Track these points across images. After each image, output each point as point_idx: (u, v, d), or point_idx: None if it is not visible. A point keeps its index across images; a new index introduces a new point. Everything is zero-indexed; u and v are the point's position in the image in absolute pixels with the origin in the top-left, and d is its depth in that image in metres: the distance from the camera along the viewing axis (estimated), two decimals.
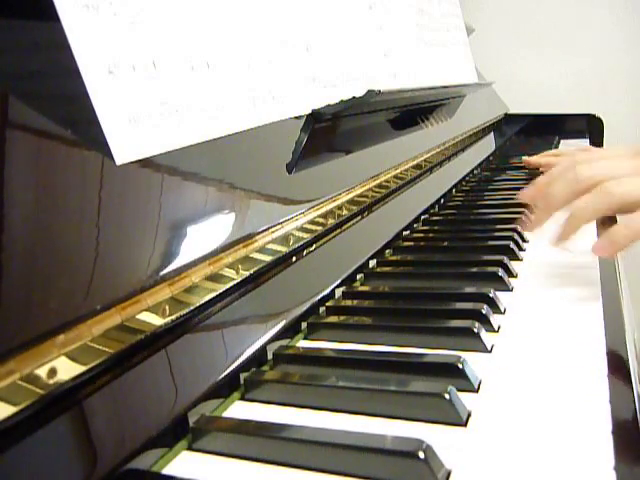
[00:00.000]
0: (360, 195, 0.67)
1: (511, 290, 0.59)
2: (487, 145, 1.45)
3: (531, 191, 0.62)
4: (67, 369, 0.31)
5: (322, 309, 0.55)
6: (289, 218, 0.52)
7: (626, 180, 0.52)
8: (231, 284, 0.44)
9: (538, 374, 0.42)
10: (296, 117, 0.59)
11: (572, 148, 0.60)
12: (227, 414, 0.40)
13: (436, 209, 0.93)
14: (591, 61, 1.94)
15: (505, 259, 0.63)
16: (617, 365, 0.42)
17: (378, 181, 0.73)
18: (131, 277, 0.36)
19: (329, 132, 0.65)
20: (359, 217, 0.68)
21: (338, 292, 0.58)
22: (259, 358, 0.45)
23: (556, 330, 0.49)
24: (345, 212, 0.63)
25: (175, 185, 0.42)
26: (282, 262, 0.51)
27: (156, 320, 0.37)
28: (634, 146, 0.57)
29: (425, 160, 0.93)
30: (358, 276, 0.64)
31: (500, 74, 1.59)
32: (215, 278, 0.42)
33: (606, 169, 0.54)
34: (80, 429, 0.32)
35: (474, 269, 0.63)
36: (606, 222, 0.58)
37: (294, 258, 0.53)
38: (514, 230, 0.74)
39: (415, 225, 0.83)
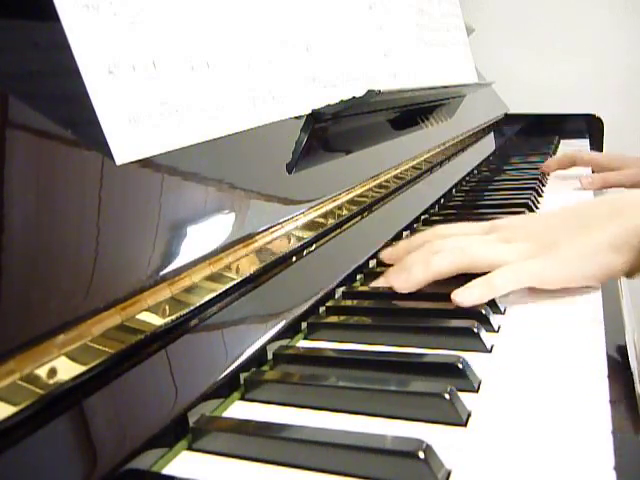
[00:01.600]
0: (360, 195, 0.67)
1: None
2: (487, 145, 1.45)
3: (394, 252, 0.64)
4: (67, 369, 0.31)
5: (322, 309, 0.55)
6: (289, 218, 0.52)
7: (482, 245, 0.57)
8: (231, 284, 0.44)
9: (538, 374, 0.42)
10: (296, 117, 0.59)
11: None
12: (227, 414, 0.40)
13: (436, 209, 0.93)
14: (591, 61, 1.94)
15: None
16: (617, 365, 0.42)
17: (378, 181, 0.73)
18: (131, 277, 0.36)
19: (329, 132, 0.65)
20: (359, 217, 0.68)
21: (338, 292, 0.58)
22: (259, 358, 0.45)
23: (556, 330, 0.49)
24: (345, 212, 0.63)
25: (175, 185, 0.42)
26: (282, 262, 0.51)
27: (156, 320, 0.37)
28: (486, 223, 0.62)
29: (425, 160, 0.93)
30: (358, 276, 0.64)
31: (500, 74, 1.59)
32: (215, 278, 0.42)
33: (460, 240, 0.59)
34: (80, 429, 0.32)
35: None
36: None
37: (294, 258, 0.53)
38: None
39: (415, 225, 0.83)
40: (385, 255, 0.64)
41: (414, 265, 0.56)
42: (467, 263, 0.55)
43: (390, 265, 0.62)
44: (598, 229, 0.54)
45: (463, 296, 0.51)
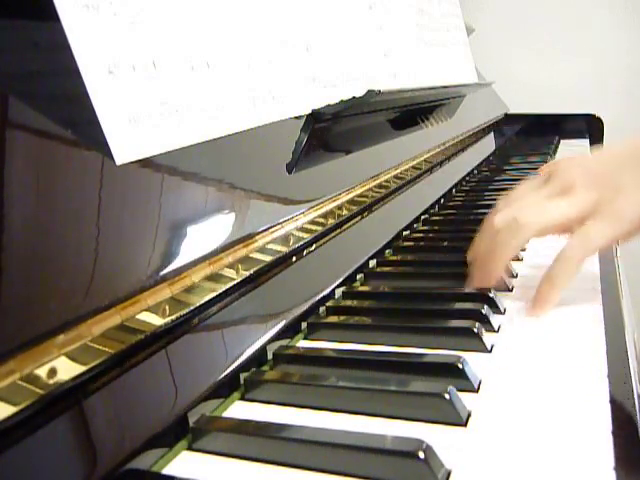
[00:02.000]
0: (360, 195, 0.67)
1: (511, 290, 0.59)
2: (487, 145, 1.45)
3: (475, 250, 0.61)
4: (67, 369, 0.31)
5: (322, 309, 0.55)
6: (289, 218, 0.52)
7: (537, 210, 0.54)
8: (231, 284, 0.44)
9: (538, 374, 0.42)
10: (296, 117, 0.59)
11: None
12: (227, 414, 0.40)
13: (436, 209, 0.93)
14: (591, 61, 1.95)
15: None
16: (617, 366, 0.42)
17: (378, 181, 0.73)
18: (131, 277, 0.36)
19: (329, 132, 0.65)
20: (359, 217, 0.68)
21: (338, 292, 0.58)
22: (259, 358, 0.45)
23: (556, 330, 0.49)
24: (345, 212, 0.63)
25: (175, 185, 0.42)
26: (282, 262, 0.51)
27: (156, 320, 0.37)
28: (549, 169, 0.58)
29: (425, 160, 0.93)
30: (358, 276, 0.64)
31: (500, 74, 1.59)
32: (215, 278, 0.42)
33: (515, 203, 0.56)
34: (80, 429, 0.32)
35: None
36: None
37: (294, 258, 0.53)
38: None
39: (415, 225, 0.83)
40: (470, 255, 0.61)
41: (487, 260, 0.55)
42: (530, 236, 0.54)
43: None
44: None
45: (549, 297, 0.50)
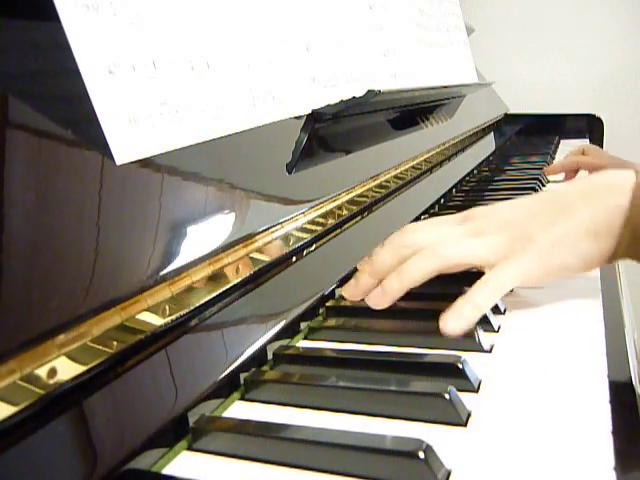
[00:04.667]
0: (360, 195, 0.67)
1: (511, 290, 0.59)
2: (487, 145, 1.45)
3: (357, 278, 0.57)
4: (67, 369, 0.31)
5: (322, 309, 0.55)
6: (289, 218, 0.52)
7: (451, 243, 0.52)
8: (231, 284, 0.44)
9: (538, 374, 0.42)
10: (296, 117, 0.59)
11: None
12: (227, 414, 0.40)
13: (436, 209, 0.93)
14: (591, 61, 1.95)
15: None
16: (617, 365, 0.42)
17: (378, 181, 0.73)
18: (131, 277, 0.36)
19: (329, 132, 0.65)
20: (359, 217, 0.68)
21: (338, 292, 0.58)
22: (259, 358, 0.45)
23: (556, 330, 0.49)
24: (345, 212, 0.63)
25: (175, 185, 0.42)
26: (282, 262, 0.51)
27: (156, 320, 0.37)
28: (464, 212, 0.57)
29: (425, 160, 0.93)
30: None
31: (500, 74, 1.59)
32: (215, 278, 0.42)
33: (430, 234, 0.54)
34: (80, 429, 0.32)
35: (474, 269, 0.62)
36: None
37: (294, 258, 0.53)
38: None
39: None
40: (365, 266, 0.56)
41: (386, 277, 0.52)
42: (440, 265, 0.51)
43: None
44: (573, 214, 0.50)
45: (452, 325, 0.46)
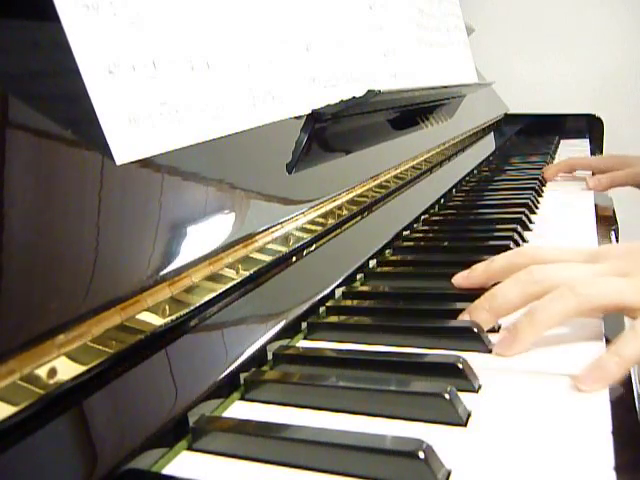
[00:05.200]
0: (360, 195, 0.67)
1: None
2: (487, 145, 1.45)
3: (470, 278, 0.54)
4: (67, 369, 0.31)
5: (322, 309, 0.55)
6: (289, 218, 0.52)
7: (593, 281, 0.46)
8: (231, 284, 0.44)
9: (538, 374, 0.42)
10: (296, 117, 0.59)
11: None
12: (227, 414, 0.40)
13: (436, 209, 0.93)
14: (591, 61, 1.95)
15: None
16: None
17: (378, 181, 0.73)
18: (131, 277, 0.36)
19: (329, 132, 0.65)
20: (359, 217, 0.68)
21: (338, 292, 0.58)
22: (259, 358, 0.45)
23: (556, 330, 0.49)
24: (345, 212, 0.63)
25: (175, 185, 0.42)
26: (282, 262, 0.51)
27: (156, 320, 0.37)
28: (587, 249, 0.52)
29: (425, 160, 0.93)
30: (358, 276, 0.64)
31: (500, 74, 1.59)
32: (215, 278, 0.42)
33: (565, 271, 0.48)
34: (80, 429, 0.32)
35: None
36: None
37: (294, 258, 0.53)
38: (514, 230, 0.74)
39: (415, 225, 0.83)
40: (458, 280, 0.54)
41: (511, 310, 0.47)
42: (580, 307, 0.44)
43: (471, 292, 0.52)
44: None
45: (589, 385, 0.39)
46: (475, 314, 0.48)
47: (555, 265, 0.49)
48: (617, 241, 0.80)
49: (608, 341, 0.46)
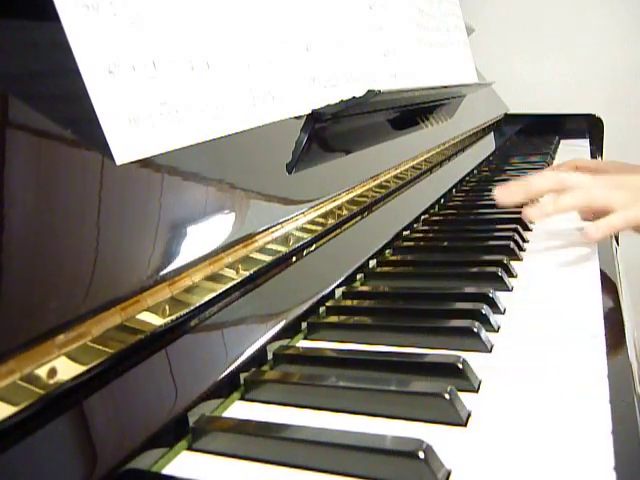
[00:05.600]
0: (360, 195, 0.67)
1: (511, 290, 0.59)
2: (487, 145, 1.45)
3: (508, 186, 0.75)
4: (67, 369, 0.31)
5: (322, 309, 0.55)
6: (289, 218, 0.52)
7: (599, 189, 0.69)
8: (231, 284, 0.44)
9: (538, 374, 0.42)
10: (296, 117, 0.59)
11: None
12: (227, 414, 0.40)
13: (436, 209, 0.93)
14: (591, 61, 1.94)
15: (505, 259, 0.63)
16: (617, 365, 0.42)
17: (378, 181, 0.73)
18: (131, 277, 0.36)
19: (329, 132, 0.65)
20: (359, 217, 0.68)
21: (338, 292, 0.58)
22: (259, 358, 0.45)
23: (556, 330, 0.49)
24: (345, 212, 0.63)
25: (175, 185, 0.42)
26: (282, 262, 0.51)
27: (156, 320, 0.37)
28: (594, 162, 0.78)
29: (425, 160, 0.93)
30: (358, 276, 0.64)
31: (500, 74, 1.59)
32: (215, 278, 0.42)
33: (580, 179, 0.71)
34: (80, 429, 0.32)
35: (474, 269, 0.63)
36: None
37: (294, 258, 0.53)
38: (514, 230, 0.74)
39: (415, 225, 0.83)
40: (498, 190, 0.74)
41: (540, 194, 0.70)
42: (586, 203, 0.68)
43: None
44: None
45: (593, 233, 0.65)
46: (511, 190, 0.72)
47: (575, 175, 0.72)
48: (617, 240, 0.86)
49: (608, 341, 0.46)
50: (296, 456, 0.34)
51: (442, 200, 0.98)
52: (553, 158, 1.38)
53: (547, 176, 0.72)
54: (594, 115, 1.66)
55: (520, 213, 0.77)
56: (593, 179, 0.72)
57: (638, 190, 0.70)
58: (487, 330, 0.48)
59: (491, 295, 0.54)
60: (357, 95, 0.61)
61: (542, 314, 0.53)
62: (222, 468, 0.34)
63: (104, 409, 0.33)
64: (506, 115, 1.69)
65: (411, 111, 0.93)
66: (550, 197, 0.69)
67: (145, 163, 0.40)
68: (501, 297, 0.55)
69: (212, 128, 0.47)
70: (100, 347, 0.33)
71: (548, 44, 1.98)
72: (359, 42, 0.77)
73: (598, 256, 0.66)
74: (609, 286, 0.58)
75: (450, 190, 1.04)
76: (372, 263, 0.67)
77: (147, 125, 0.40)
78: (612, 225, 0.66)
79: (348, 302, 0.57)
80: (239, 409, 0.41)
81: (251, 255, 0.46)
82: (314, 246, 0.57)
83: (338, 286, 0.58)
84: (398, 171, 0.81)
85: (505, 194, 0.73)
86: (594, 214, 0.71)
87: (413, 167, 0.87)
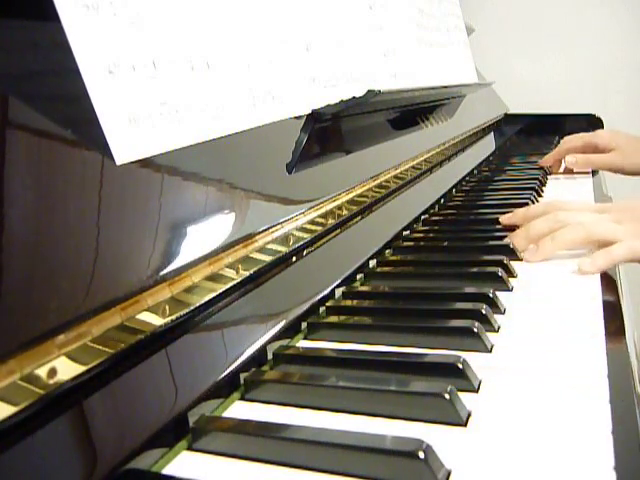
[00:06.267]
0: (360, 195, 0.67)
1: (511, 290, 0.59)
2: (487, 145, 1.45)
3: (512, 218, 0.77)
4: (67, 369, 0.31)
5: (322, 309, 0.55)
6: (289, 218, 0.52)
7: (597, 223, 0.67)
8: (231, 284, 0.44)
9: (538, 374, 0.42)
10: (296, 117, 0.59)
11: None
12: (227, 414, 0.40)
13: (436, 209, 0.93)
14: (591, 61, 1.94)
15: (505, 259, 0.63)
16: (617, 365, 0.42)
17: (378, 181, 0.73)
18: (131, 277, 0.36)
19: (329, 132, 0.65)
20: (359, 217, 0.68)
21: (338, 292, 0.58)
22: (259, 358, 0.45)
23: (556, 330, 0.49)
24: (345, 212, 0.63)
25: (175, 185, 0.42)
26: (282, 262, 0.51)
27: (156, 320, 0.37)
28: (597, 205, 0.74)
29: (425, 160, 0.93)
30: (358, 276, 0.64)
31: (500, 74, 1.59)
32: (215, 278, 0.42)
33: (579, 216, 0.69)
34: (80, 429, 0.32)
35: (474, 269, 0.63)
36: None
37: (294, 258, 0.53)
38: (514, 230, 0.74)
39: (415, 225, 0.83)
40: (504, 219, 0.78)
41: (541, 237, 0.68)
42: (585, 238, 0.66)
43: (510, 230, 0.74)
44: None
45: (588, 267, 0.61)
46: (514, 239, 0.70)
47: (573, 212, 0.71)
48: None
49: (608, 341, 0.46)
50: (296, 456, 0.34)
51: (442, 200, 0.98)
52: None
53: (548, 218, 0.70)
54: (594, 115, 1.66)
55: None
56: (598, 216, 0.70)
57: None
58: (487, 330, 0.48)
59: (491, 295, 0.54)
60: (357, 95, 0.61)
61: (542, 314, 0.53)
62: (222, 468, 0.34)
63: (104, 409, 0.33)
64: (506, 115, 1.69)
65: (411, 111, 0.93)
66: (550, 236, 0.67)
67: (145, 163, 0.40)
68: (501, 297, 0.55)
69: (212, 128, 0.47)
70: (100, 347, 0.33)
71: (548, 44, 1.98)
72: (359, 42, 0.77)
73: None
74: (609, 286, 0.58)
75: (450, 190, 1.04)
76: (372, 263, 0.67)
77: (147, 125, 0.40)
78: (613, 255, 0.62)
79: (348, 302, 0.57)
80: (239, 409, 0.41)
81: (251, 255, 0.46)
82: (314, 246, 0.57)
83: (338, 286, 0.58)
84: (398, 171, 0.81)
85: (511, 238, 0.71)
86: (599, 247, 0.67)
87: (413, 167, 0.87)
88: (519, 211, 0.77)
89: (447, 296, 0.56)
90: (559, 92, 1.92)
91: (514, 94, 1.75)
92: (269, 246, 0.49)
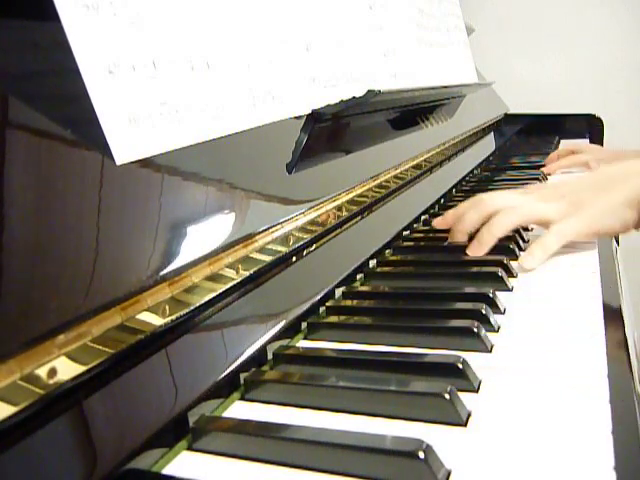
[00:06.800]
0: (360, 195, 0.67)
1: (511, 290, 0.59)
2: (487, 145, 1.45)
3: (444, 219, 0.77)
4: (67, 369, 0.31)
5: (322, 309, 0.55)
6: (289, 218, 0.52)
7: (527, 205, 0.69)
8: (231, 284, 0.44)
9: (538, 374, 0.42)
10: (296, 117, 0.59)
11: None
12: (227, 414, 0.40)
13: (436, 209, 0.93)
14: (591, 61, 1.94)
15: (505, 259, 0.63)
16: (617, 365, 0.42)
17: (378, 181, 0.73)
18: (131, 277, 0.36)
19: (329, 132, 0.65)
20: (359, 217, 0.68)
21: (338, 292, 0.58)
22: (259, 358, 0.45)
23: (556, 330, 0.49)
24: (345, 212, 0.63)
25: (175, 185, 0.42)
26: (282, 262, 0.51)
27: (156, 320, 0.37)
28: (525, 188, 0.77)
29: (425, 160, 0.93)
30: (358, 276, 0.64)
31: (500, 74, 1.59)
32: (215, 278, 0.42)
33: (508, 200, 0.71)
34: (80, 429, 0.32)
35: (474, 269, 0.63)
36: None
37: (294, 258, 0.53)
38: (514, 230, 0.74)
39: (415, 225, 0.83)
40: (437, 223, 0.77)
41: (475, 226, 0.69)
42: (519, 220, 0.68)
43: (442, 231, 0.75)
44: (615, 190, 0.66)
45: (530, 262, 0.64)
46: (452, 236, 0.72)
47: (500, 197, 0.72)
48: (617, 241, 0.87)
49: (608, 341, 0.46)
50: (296, 456, 0.34)
51: (442, 200, 0.98)
52: None
53: (476, 207, 0.70)
54: (594, 115, 1.66)
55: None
56: (523, 198, 0.71)
57: (576, 194, 0.68)
58: (487, 330, 0.48)
59: (491, 295, 0.54)
60: (357, 95, 0.61)
61: (542, 314, 0.53)
62: (222, 468, 0.34)
63: (104, 409, 0.33)
64: (506, 115, 1.69)
65: (411, 111, 0.93)
66: (485, 227, 0.68)
67: (145, 163, 0.40)
68: (501, 297, 0.55)
69: (212, 128, 0.47)
70: (100, 347, 0.33)
71: (548, 44, 1.98)
72: (359, 42, 0.77)
73: (598, 256, 0.66)
74: (609, 286, 0.58)
75: (450, 190, 1.04)
76: (372, 263, 0.67)
77: (147, 125, 0.40)
78: (547, 248, 0.64)
79: (348, 302, 0.57)
80: (239, 409, 0.41)
81: (251, 255, 0.46)
82: (314, 246, 0.57)
83: (338, 286, 0.58)
84: (398, 171, 0.81)
85: (450, 237, 0.72)
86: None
87: (413, 167, 0.87)
88: (449, 212, 0.76)
89: (447, 296, 0.56)
90: (559, 92, 1.93)
91: (514, 94, 1.75)
92: (269, 246, 0.49)
